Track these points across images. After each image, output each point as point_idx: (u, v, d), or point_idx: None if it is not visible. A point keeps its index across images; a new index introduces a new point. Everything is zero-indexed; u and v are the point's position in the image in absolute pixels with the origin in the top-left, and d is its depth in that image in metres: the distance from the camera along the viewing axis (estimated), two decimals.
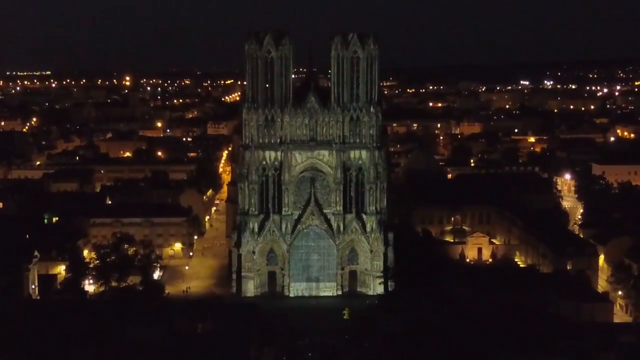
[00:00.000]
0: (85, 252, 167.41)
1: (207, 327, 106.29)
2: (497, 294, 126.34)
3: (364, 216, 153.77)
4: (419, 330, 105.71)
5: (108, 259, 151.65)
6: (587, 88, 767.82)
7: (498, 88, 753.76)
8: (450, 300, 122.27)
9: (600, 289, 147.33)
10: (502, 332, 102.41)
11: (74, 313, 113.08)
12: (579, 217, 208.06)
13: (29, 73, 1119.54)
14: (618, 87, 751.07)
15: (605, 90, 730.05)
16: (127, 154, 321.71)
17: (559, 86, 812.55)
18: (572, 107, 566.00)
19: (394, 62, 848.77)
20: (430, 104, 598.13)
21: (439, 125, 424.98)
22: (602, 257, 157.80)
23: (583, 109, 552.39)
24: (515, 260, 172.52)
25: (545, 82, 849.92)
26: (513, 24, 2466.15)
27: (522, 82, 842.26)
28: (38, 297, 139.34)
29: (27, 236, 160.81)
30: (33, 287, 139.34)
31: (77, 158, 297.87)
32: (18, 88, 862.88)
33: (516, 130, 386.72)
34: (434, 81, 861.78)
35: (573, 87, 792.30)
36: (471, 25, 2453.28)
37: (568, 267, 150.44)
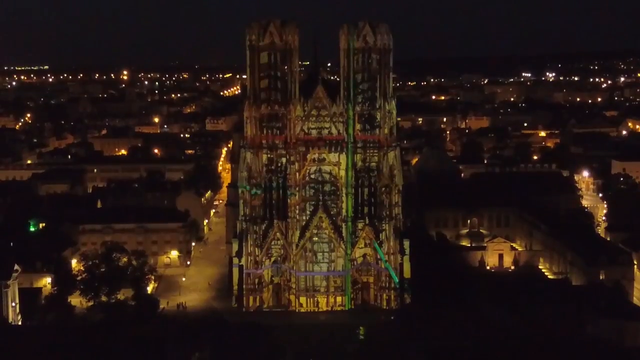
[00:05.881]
0: (74, 263, 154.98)
1: (204, 357, 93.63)
2: (526, 310, 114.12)
3: (377, 223, 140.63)
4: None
5: (97, 271, 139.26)
6: (590, 80, 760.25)
7: (500, 80, 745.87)
8: (478, 321, 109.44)
9: (636, 302, 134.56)
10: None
11: (59, 340, 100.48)
12: (603, 218, 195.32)
13: (27, 67, 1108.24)
14: (622, 79, 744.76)
15: (609, 82, 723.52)
16: (122, 151, 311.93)
17: (561, 78, 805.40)
18: (578, 99, 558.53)
19: (394, 54, 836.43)
20: (433, 97, 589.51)
21: (444, 119, 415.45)
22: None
23: (590, 101, 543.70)
24: (540, 268, 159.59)
25: (548, 74, 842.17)
26: (511, 16, 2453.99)
27: (523, 74, 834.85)
28: (19, 316, 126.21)
29: (11, 244, 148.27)
30: (13, 304, 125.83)
31: (70, 157, 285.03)
32: (14, 83, 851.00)
33: (525, 125, 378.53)
34: (434, 74, 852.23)
35: (576, 78, 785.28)
36: (470, 18, 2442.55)
37: (601, 277, 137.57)
